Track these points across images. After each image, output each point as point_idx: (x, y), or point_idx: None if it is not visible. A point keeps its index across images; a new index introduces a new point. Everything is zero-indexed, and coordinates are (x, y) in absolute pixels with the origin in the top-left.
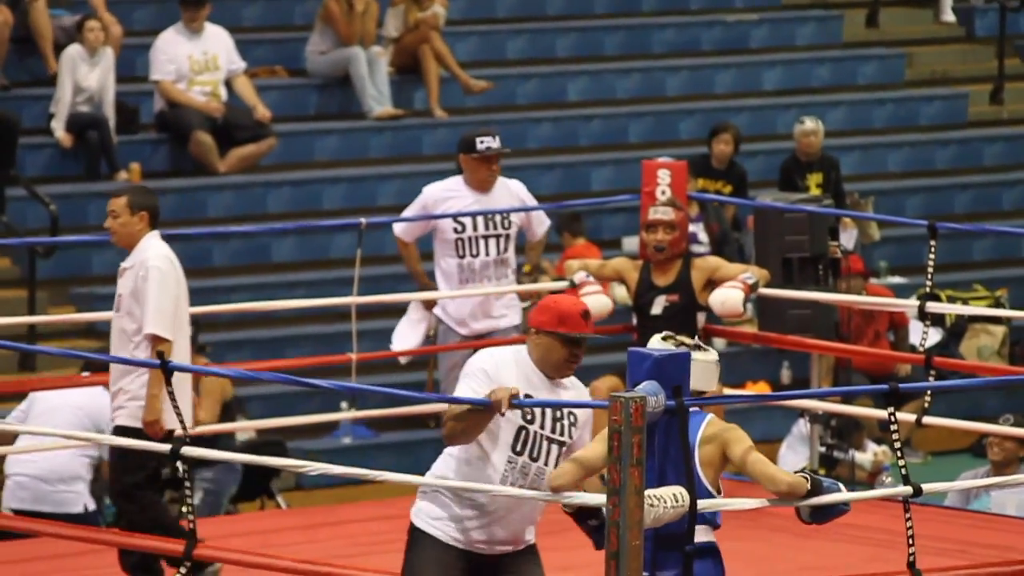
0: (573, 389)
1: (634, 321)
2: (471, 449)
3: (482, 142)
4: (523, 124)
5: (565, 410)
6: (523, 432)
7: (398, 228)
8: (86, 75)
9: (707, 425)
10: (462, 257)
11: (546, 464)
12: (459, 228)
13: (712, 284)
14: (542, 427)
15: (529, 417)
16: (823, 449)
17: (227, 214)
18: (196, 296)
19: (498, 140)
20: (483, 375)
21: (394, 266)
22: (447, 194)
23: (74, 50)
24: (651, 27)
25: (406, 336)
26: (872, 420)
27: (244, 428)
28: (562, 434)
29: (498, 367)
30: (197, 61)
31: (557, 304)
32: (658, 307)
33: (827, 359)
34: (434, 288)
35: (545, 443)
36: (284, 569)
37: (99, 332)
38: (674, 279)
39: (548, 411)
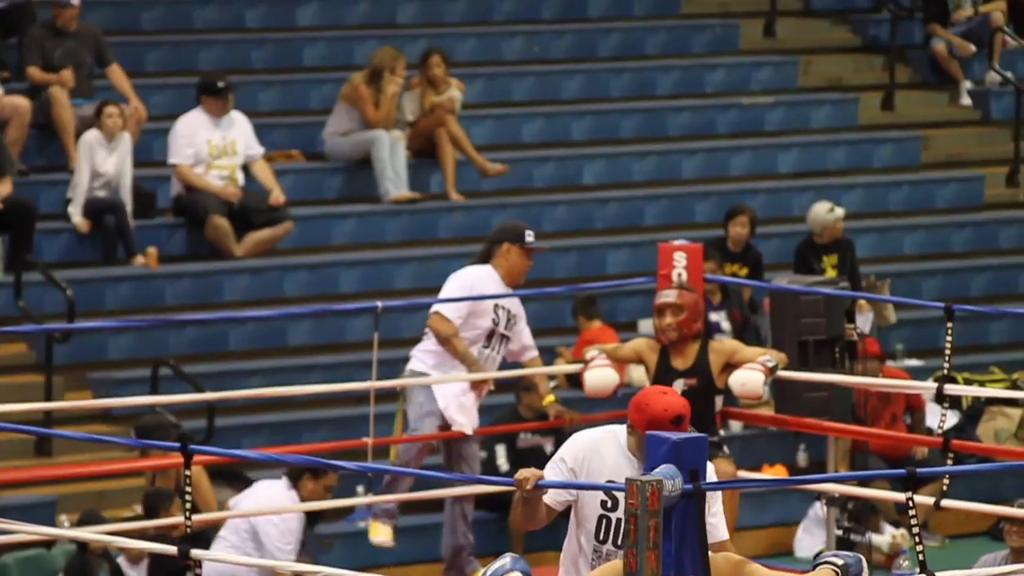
0: None
1: None
2: (571, 542)
3: (530, 234)
4: (539, 207)
5: None
6: (603, 520)
7: (447, 308)
8: (103, 160)
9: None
10: (487, 348)
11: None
12: (496, 320)
13: (730, 367)
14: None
15: (609, 504)
16: (840, 532)
17: (243, 298)
18: (211, 381)
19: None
20: (561, 464)
21: (409, 349)
22: (489, 283)
23: (92, 136)
24: (667, 110)
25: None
26: (889, 503)
27: (260, 513)
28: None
29: (587, 455)
30: (216, 146)
31: (649, 407)
32: (677, 390)
33: (844, 442)
34: (483, 369)
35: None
36: None
37: (115, 417)
38: (692, 362)
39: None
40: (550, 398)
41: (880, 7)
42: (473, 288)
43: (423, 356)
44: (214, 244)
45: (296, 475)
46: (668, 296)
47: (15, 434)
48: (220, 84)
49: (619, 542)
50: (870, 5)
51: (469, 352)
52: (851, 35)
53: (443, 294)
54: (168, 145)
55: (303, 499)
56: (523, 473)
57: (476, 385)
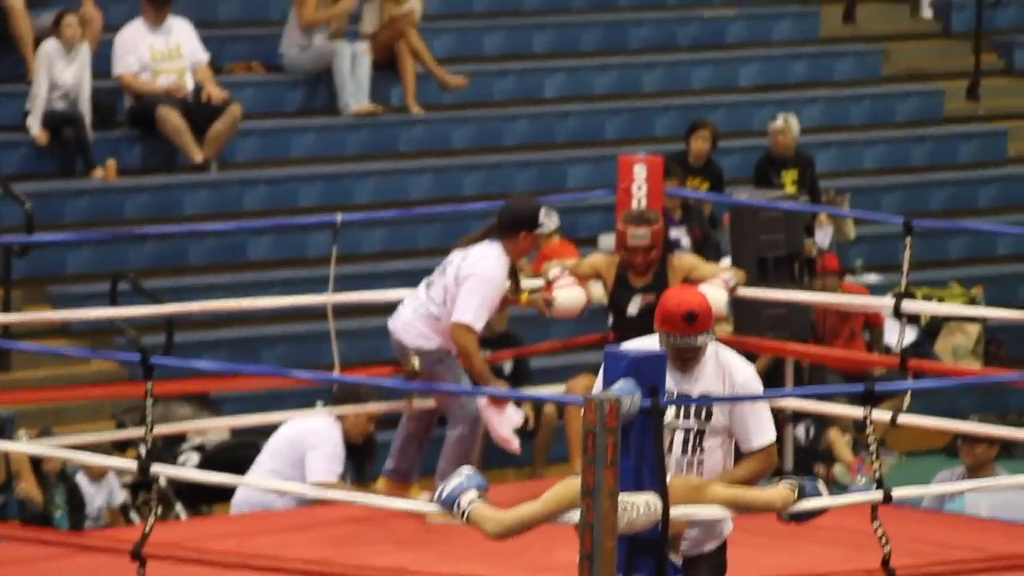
0: (706, 377)
1: (610, 320)
2: None
3: (544, 219)
4: (499, 121)
5: (693, 396)
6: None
7: (473, 317)
8: (62, 71)
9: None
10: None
11: (683, 453)
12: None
13: (688, 283)
14: (672, 419)
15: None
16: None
17: (203, 211)
18: (171, 295)
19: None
20: None
21: (370, 264)
22: (504, 275)
23: (50, 46)
24: (628, 23)
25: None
26: (847, 419)
27: (219, 426)
28: (687, 418)
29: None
30: (159, 51)
31: (664, 303)
32: (634, 307)
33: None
34: (500, 385)
35: (671, 433)
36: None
37: (74, 331)
38: (651, 279)
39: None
40: (524, 296)
41: None
42: (500, 288)
43: (429, 334)
44: (171, 142)
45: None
46: (639, 239)
47: None
48: None
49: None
50: None
51: (488, 370)
52: None
53: (466, 297)
54: (112, 57)
55: (346, 431)
56: None
57: (496, 402)
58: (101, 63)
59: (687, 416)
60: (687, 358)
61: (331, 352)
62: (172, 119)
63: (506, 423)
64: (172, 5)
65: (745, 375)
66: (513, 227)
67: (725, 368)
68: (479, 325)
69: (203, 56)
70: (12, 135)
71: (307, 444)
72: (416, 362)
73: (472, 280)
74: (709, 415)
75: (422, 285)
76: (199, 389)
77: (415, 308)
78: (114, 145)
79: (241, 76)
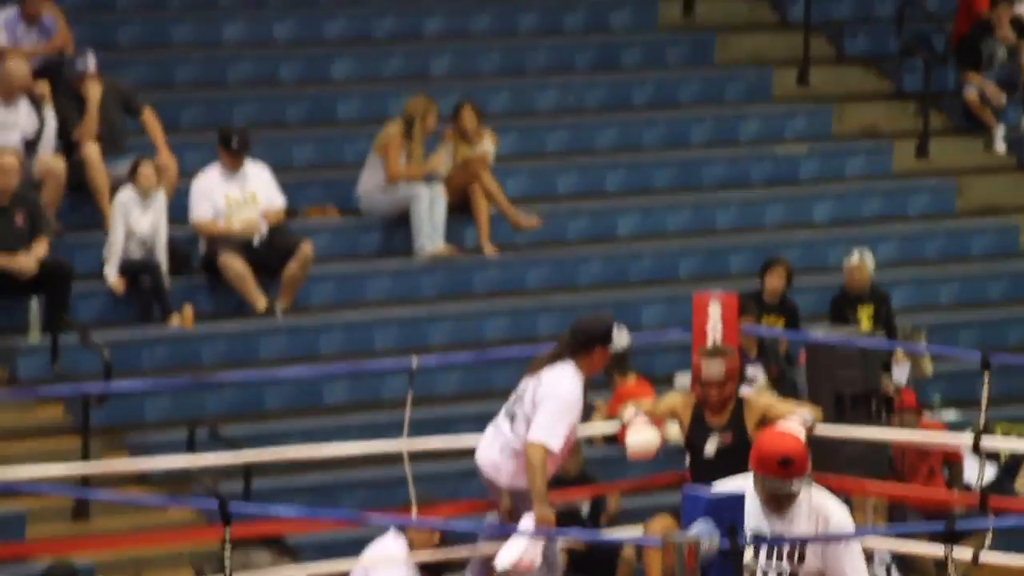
0: (799, 520)
1: (687, 460)
2: None
3: (617, 334)
4: (573, 260)
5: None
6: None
7: (549, 436)
8: (138, 219)
9: None
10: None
11: None
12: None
13: (766, 423)
14: (765, 562)
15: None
16: None
17: (279, 356)
18: (248, 442)
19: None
20: None
21: (446, 407)
22: (582, 395)
23: (126, 195)
24: (701, 161)
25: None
26: (928, 560)
27: (299, 573)
28: (780, 560)
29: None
30: (234, 199)
31: (759, 445)
32: (711, 447)
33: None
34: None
35: None
36: None
37: (153, 480)
38: (727, 418)
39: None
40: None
41: (913, 53)
42: (578, 408)
43: (522, 472)
44: (230, 291)
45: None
46: (714, 373)
47: (53, 498)
48: (235, 142)
49: None
50: (902, 51)
51: (545, 493)
52: (884, 82)
53: (545, 419)
54: (189, 204)
55: (412, 547)
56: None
57: (544, 520)
58: (177, 210)
59: (779, 558)
60: (781, 502)
61: (408, 496)
62: (235, 265)
63: (516, 553)
64: (248, 151)
65: (839, 517)
66: (587, 344)
67: (819, 511)
68: (555, 445)
69: (279, 200)
70: (90, 283)
71: (373, 571)
72: (507, 502)
73: (549, 401)
74: (802, 557)
75: (502, 418)
76: (275, 530)
77: (502, 446)
78: (190, 292)
79: (317, 220)
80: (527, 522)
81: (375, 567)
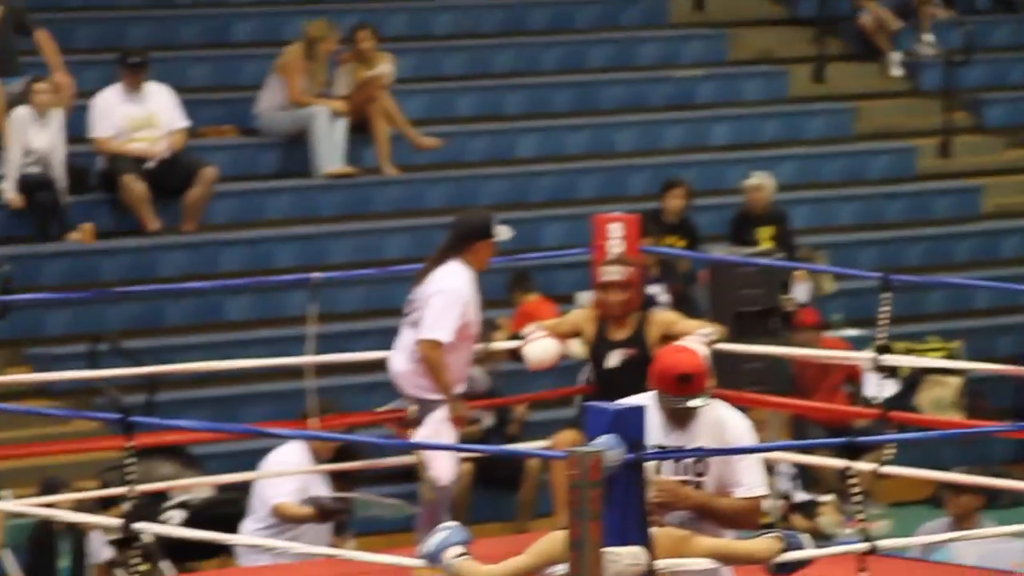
0: (700, 434)
1: (589, 374)
2: None
3: (497, 227)
4: (474, 181)
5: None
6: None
7: (442, 336)
8: (35, 136)
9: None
10: (473, 344)
11: None
12: (476, 320)
13: (667, 339)
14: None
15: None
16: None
17: (180, 274)
18: (150, 356)
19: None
20: None
21: (347, 323)
22: (470, 287)
23: (22, 112)
24: (600, 83)
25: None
26: (831, 472)
27: (202, 483)
28: (685, 472)
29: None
30: (135, 119)
31: (657, 362)
32: (614, 360)
33: (784, 412)
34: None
35: None
36: None
37: (55, 392)
38: (630, 333)
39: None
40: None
41: None
42: (467, 299)
43: (423, 382)
44: (129, 208)
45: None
46: (613, 274)
47: None
48: (133, 59)
49: None
50: None
51: (452, 388)
52: (779, 8)
53: (432, 314)
54: (88, 121)
55: (315, 451)
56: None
57: (459, 420)
58: (74, 129)
59: (685, 471)
60: (681, 417)
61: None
62: (135, 187)
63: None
64: (147, 71)
65: (738, 429)
66: (468, 238)
67: (719, 424)
68: (444, 336)
69: (181, 122)
70: None
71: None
72: (413, 410)
73: (437, 297)
74: (707, 467)
75: (406, 328)
76: (177, 441)
77: (405, 356)
78: (89, 208)
79: (216, 140)
80: (426, 430)
81: (274, 476)
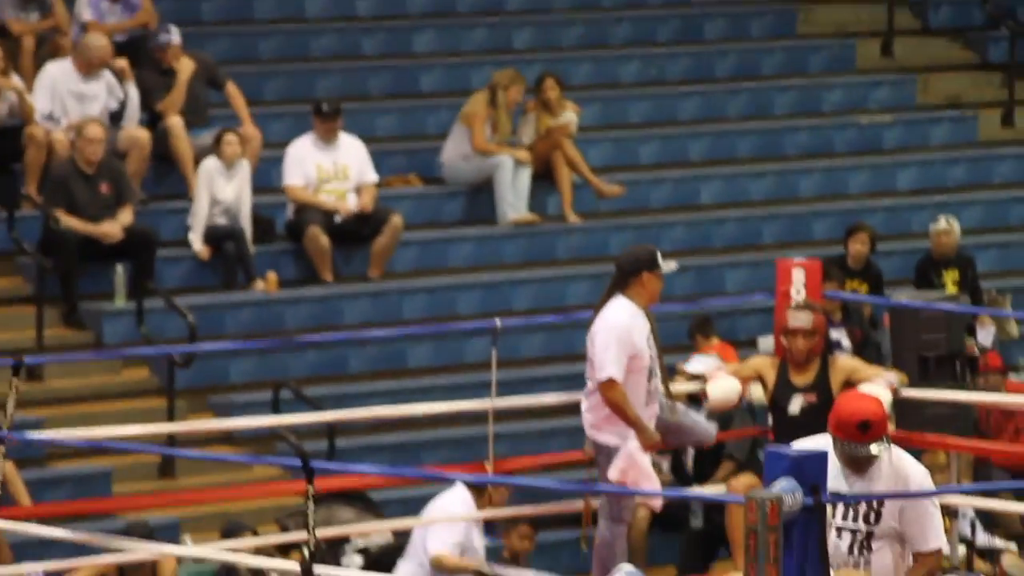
0: (878, 481)
1: (770, 420)
2: None
3: (662, 259)
4: (656, 228)
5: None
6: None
7: (613, 373)
8: (222, 187)
9: None
10: (650, 380)
11: (849, 554)
12: (651, 352)
13: (850, 385)
14: (841, 521)
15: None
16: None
17: (362, 320)
18: (332, 403)
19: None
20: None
21: (528, 369)
22: (636, 319)
23: (211, 163)
24: (785, 130)
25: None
26: (1014, 517)
27: (381, 528)
28: (855, 520)
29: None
30: (326, 170)
31: (837, 408)
32: (795, 406)
33: (966, 457)
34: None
35: (836, 534)
36: None
37: (237, 439)
38: (812, 379)
39: (841, 504)
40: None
41: (998, 23)
42: (630, 331)
43: (599, 424)
44: (310, 258)
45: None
46: (801, 321)
47: (140, 456)
48: (325, 107)
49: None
50: (987, 22)
51: (642, 420)
52: (969, 53)
53: (600, 355)
54: (282, 169)
55: (480, 506)
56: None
57: (651, 447)
58: (261, 180)
59: (855, 519)
60: (860, 464)
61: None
62: (318, 239)
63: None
64: (341, 120)
65: (918, 478)
66: (632, 273)
67: (898, 472)
68: (614, 372)
69: (372, 176)
70: (175, 250)
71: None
72: (587, 451)
73: (600, 335)
74: (879, 517)
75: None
76: (357, 486)
77: (585, 400)
78: (274, 258)
79: (401, 188)
80: (621, 463)
81: (436, 521)
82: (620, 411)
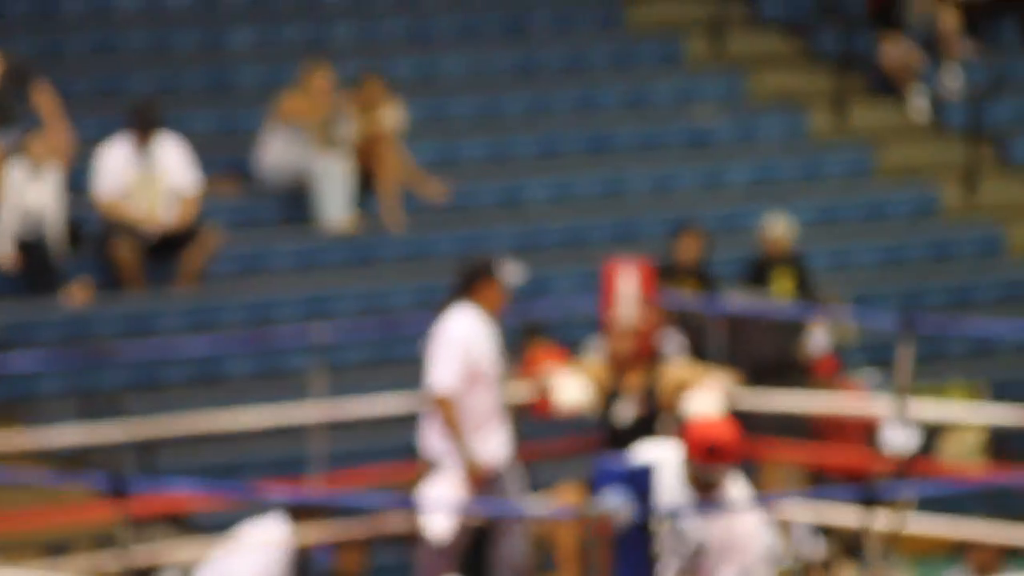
0: (719, 526)
1: (598, 428)
2: None
3: (507, 267)
4: (483, 229)
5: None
6: None
7: (445, 385)
8: (28, 192)
9: None
10: (492, 394)
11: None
12: (493, 363)
13: (681, 389)
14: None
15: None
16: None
17: (179, 329)
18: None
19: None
20: None
21: (353, 379)
22: (474, 330)
23: (17, 167)
24: (613, 124)
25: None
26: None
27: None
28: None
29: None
30: (140, 177)
31: (690, 431)
32: (625, 415)
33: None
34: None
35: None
36: None
37: (49, 457)
38: (642, 384)
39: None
40: None
41: (828, 15)
42: (470, 340)
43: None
44: (118, 269)
45: (296, 513)
46: (627, 321)
47: None
48: (141, 114)
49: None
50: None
51: (465, 441)
52: (798, 44)
53: (432, 365)
54: (93, 174)
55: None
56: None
57: (476, 480)
58: (77, 181)
59: (685, 547)
60: (707, 489)
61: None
62: (124, 255)
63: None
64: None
65: (747, 540)
66: (471, 280)
67: (732, 527)
68: (444, 381)
69: (187, 185)
70: None
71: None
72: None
73: (434, 347)
74: (703, 556)
75: None
76: (176, 506)
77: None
78: (86, 264)
79: (216, 192)
80: (435, 488)
81: (244, 548)
82: (446, 428)
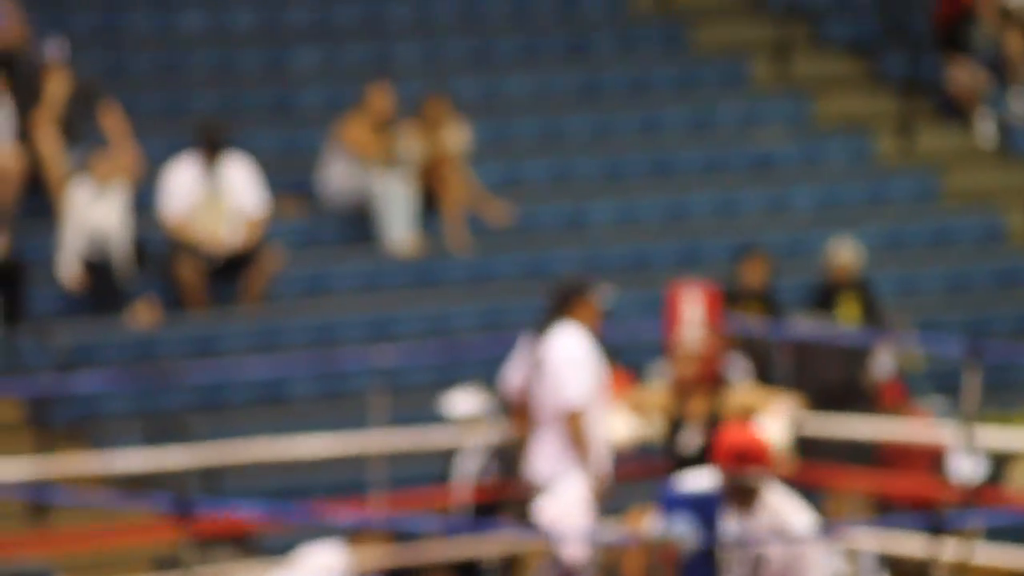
0: (764, 518)
1: (665, 453)
2: None
3: (599, 286)
4: (546, 251)
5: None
6: None
7: (583, 400)
8: (95, 211)
9: None
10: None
11: None
12: (602, 381)
13: (747, 414)
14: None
15: None
16: None
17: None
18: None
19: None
20: None
21: (417, 401)
22: (590, 348)
23: (83, 186)
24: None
25: None
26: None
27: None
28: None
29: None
30: (206, 197)
31: (718, 439)
32: (691, 438)
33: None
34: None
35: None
36: None
37: (113, 478)
38: (708, 408)
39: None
40: None
41: (895, 38)
42: (589, 360)
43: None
44: (183, 290)
45: (356, 536)
46: (691, 346)
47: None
48: (208, 133)
49: None
50: (884, 37)
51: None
52: (863, 66)
53: (566, 383)
54: (160, 194)
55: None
56: None
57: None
58: (143, 198)
59: (739, 562)
60: (742, 496)
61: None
62: (188, 276)
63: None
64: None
65: (799, 523)
66: (568, 299)
67: (779, 516)
68: (587, 400)
69: (253, 207)
70: (47, 278)
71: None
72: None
73: (566, 365)
74: (762, 562)
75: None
76: (237, 527)
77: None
78: (151, 283)
79: (282, 217)
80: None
81: (300, 572)
82: (579, 441)
